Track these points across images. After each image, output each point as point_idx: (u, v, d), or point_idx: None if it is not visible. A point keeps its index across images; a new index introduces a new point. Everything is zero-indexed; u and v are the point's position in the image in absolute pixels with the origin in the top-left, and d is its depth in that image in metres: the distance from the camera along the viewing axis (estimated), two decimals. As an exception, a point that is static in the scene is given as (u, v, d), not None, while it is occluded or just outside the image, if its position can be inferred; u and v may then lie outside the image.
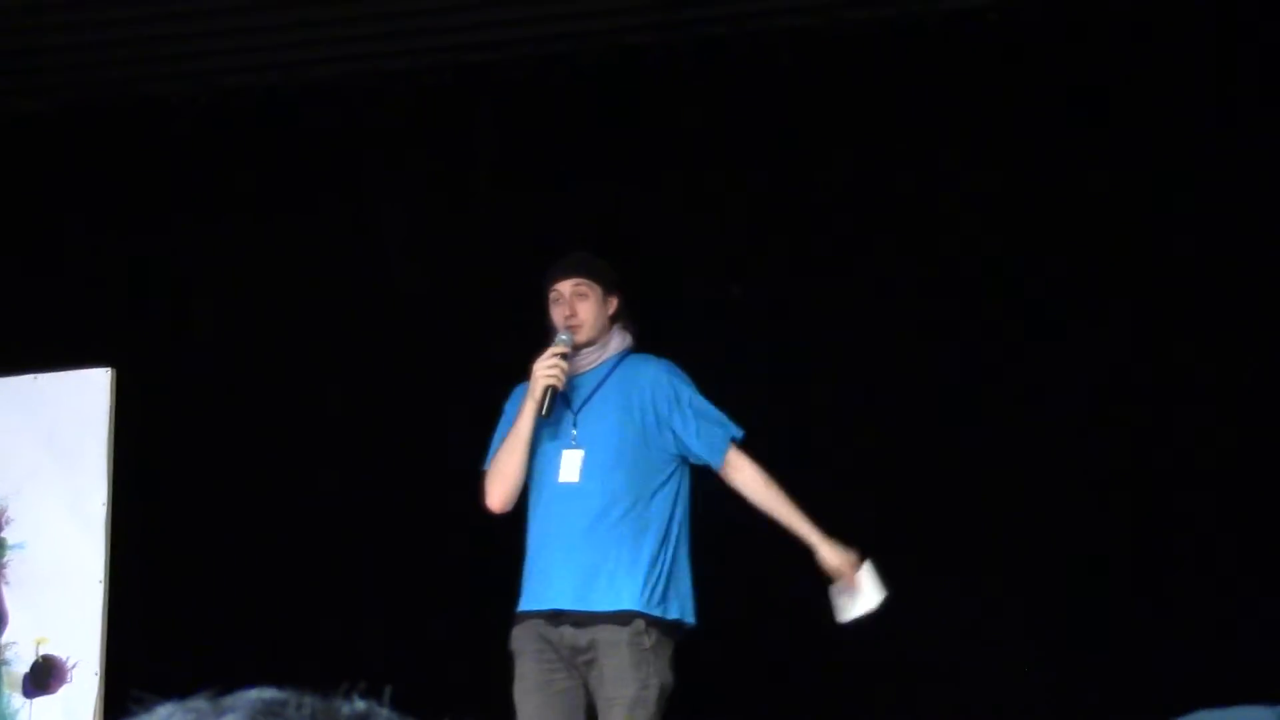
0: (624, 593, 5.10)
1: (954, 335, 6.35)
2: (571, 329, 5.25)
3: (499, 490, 5.21)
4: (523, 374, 5.28)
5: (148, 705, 0.73)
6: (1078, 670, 6.13)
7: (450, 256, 6.90)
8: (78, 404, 5.52)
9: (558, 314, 5.27)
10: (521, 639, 5.15)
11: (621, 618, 5.09)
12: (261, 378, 6.92)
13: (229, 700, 0.73)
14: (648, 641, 5.08)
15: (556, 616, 5.11)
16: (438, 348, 6.82)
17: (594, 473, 5.16)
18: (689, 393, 5.28)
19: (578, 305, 5.28)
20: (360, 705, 0.73)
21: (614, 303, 5.33)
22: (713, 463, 5.23)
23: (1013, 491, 6.18)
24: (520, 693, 5.12)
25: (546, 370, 5.15)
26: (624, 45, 6.68)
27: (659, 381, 5.26)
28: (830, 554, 5.18)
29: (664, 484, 5.22)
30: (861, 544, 5.23)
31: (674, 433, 5.23)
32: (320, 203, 7.04)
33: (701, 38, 6.62)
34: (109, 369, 5.51)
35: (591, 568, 5.10)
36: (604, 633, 5.07)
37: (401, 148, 6.94)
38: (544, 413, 5.14)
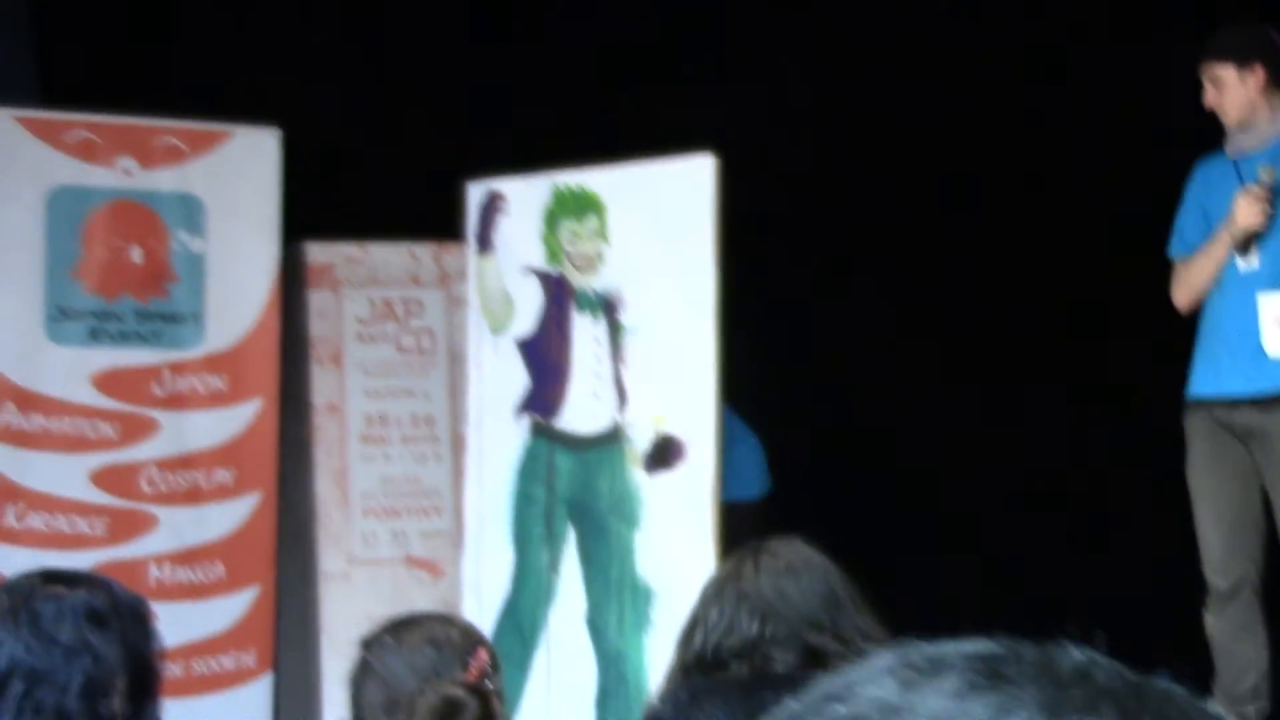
0: None
1: None
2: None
3: (1186, 299, 5.21)
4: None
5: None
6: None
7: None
8: (683, 191, 5.63)
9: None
10: (1196, 423, 5.17)
11: None
12: (854, 162, 6.94)
13: (943, 653, 0.75)
14: None
15: (1232, 400, 5.09)
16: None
17: (1269, 258, 5.07)
18: None
19: (1212, 94, 5.13)
20: (1080, 657, 0.74)
21: (1258, 74, 5.12)
22: None
23: None
24: (1196, 471, 5.17)
25: (1248, 213, 5.02)
26: None
27: None
28: None
29: None
30: None
31: None
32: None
33: None
34: (711, 156, 5.59)
35: (1261, 351, 5.05)
36: (1276, 418, 5.04)
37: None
38: (1242, 253, 5.06)
